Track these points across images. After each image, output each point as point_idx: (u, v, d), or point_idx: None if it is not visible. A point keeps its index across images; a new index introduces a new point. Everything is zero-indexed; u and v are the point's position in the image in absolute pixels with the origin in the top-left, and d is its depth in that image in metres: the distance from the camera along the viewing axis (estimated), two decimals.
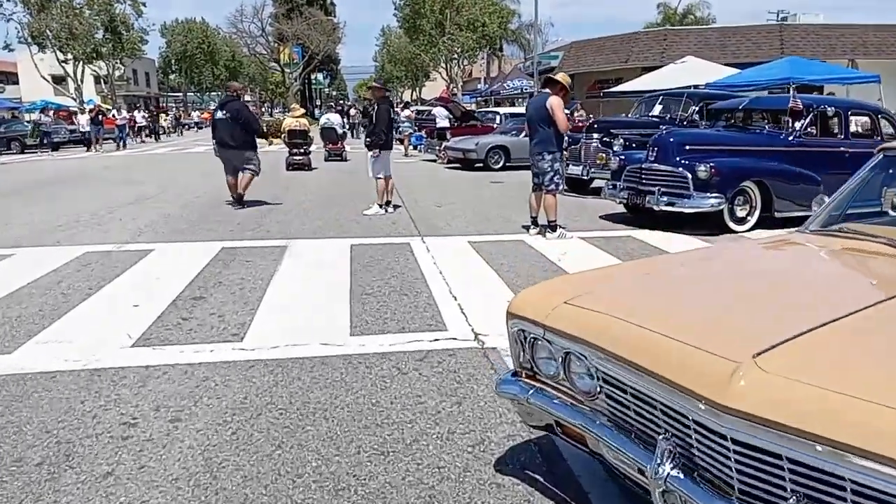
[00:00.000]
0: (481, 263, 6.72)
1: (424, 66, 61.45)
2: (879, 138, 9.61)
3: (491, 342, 4.38)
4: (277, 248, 7.36)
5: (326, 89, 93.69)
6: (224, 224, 9.02)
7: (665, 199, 8.48)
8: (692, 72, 18.23)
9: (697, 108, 12.29)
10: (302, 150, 18.00)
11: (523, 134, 17.50)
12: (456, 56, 52.59)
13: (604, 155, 11.73)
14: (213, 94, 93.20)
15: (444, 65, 54.62)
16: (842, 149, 9.20)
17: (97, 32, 54.68)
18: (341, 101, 75.86)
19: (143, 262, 6.77)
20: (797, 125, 8.99)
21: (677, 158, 8.60)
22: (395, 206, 10.38)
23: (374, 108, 10.11)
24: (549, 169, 7.93)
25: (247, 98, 66.70)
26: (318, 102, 78.25)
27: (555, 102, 7.78)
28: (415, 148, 23.71)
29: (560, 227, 8.11)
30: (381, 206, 10.04)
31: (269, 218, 9.53)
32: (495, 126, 20.01)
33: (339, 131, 21.51)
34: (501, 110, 21.89)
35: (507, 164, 17.22)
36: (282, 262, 6.73)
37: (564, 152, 8.26)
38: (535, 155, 8.02)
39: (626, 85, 21.00)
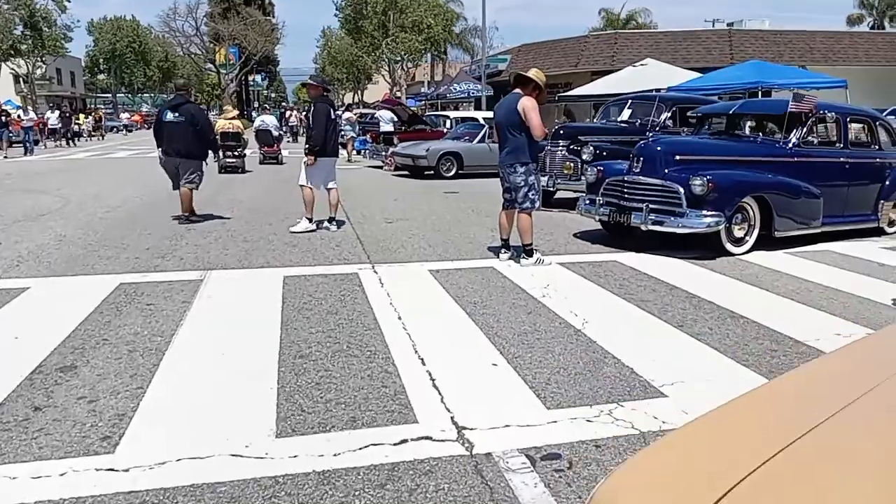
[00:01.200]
0: (449, 302, 5.39)
1: (367, 69, 59.98)
2: (877, 147, 8.77)
3: (482, 442, 3.06)
4: (190, 284, 5.86)
5: (265, 91, 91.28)
6: (130, 248, 7.43)
7: (653, 216, 7.33)
8: (652, 75, 17.32)
9: (670, 114, 11.29)
10: (235, 153, 17.32)
11: (476, 140, 16.36)
12: (399, 58, 51.31)
13: (571, 164, 10.58)
14: (144, 95, 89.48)
15: (387, 67, 53.25)
16: (841, 159, 8.28)
17: (15, 28, 51.23)
18: (284, 105, 73.60)
19: (8, 307, 5.19)
20: (795, 133, 7.99)
21: (666, 170, 7.47)
22: (339, 223, 8.96)
23: (311, 109, 8.72)
24: (522, 183, 6.67)
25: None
26: (257, 105, 75.89)
27: (528, 104, 6.54)
28: (359, 153, 22.28)
29: (536, 251, 6.86)
30: (309, 220, 8.66)
31: (186, 239, 7.97)
32: (445, 131, 18.75)
33: (275, 133, 20.45)
34: (452, 114, 20.66)
35: (460, 171, 15.97)
36: (193, 304, 5.24)
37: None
38: (506, 167, 6.75)
39: (582, 88, 20.03)
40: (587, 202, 8.26)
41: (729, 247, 7.38)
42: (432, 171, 15.98)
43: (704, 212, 7.11)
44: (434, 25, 49.93)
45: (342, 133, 23.58)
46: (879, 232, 8.79)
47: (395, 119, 20.80)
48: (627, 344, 4.42)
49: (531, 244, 6.78)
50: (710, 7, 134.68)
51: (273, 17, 73.02)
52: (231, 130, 17.56)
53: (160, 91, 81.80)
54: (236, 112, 21.29)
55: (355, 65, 61.62)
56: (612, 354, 4.23)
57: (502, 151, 6.77)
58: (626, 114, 11.78)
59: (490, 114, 20.94)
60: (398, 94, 45.53)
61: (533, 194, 6.70)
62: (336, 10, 53.28)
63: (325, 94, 8.97)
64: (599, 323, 4.87)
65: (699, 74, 17.74)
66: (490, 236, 8.31)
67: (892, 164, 8.82)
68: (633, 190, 7.60)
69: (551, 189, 11.13)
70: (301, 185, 8.71)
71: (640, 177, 7.57)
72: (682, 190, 7.20)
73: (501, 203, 7.09)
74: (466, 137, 16.64)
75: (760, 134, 8.49)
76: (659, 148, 7.71)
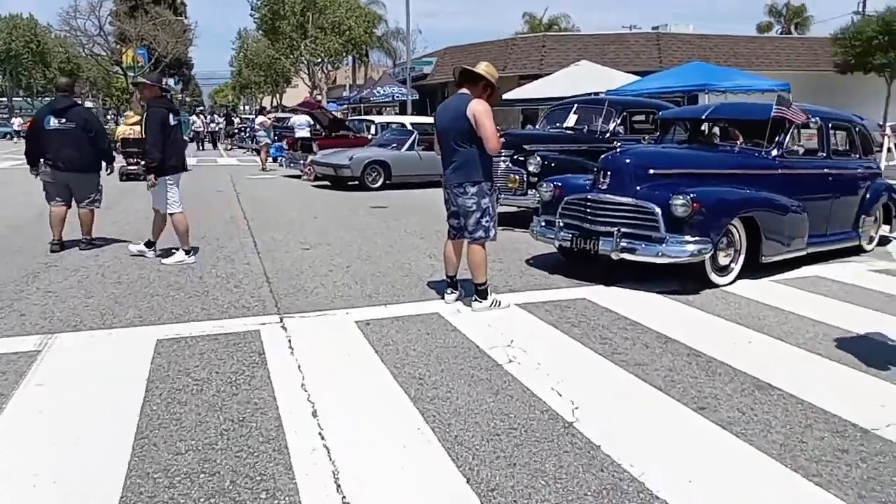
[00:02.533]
0: (385, 379, 3.93)
1: (285, 72, 57.71)
2: (857, 156, 7.85)
3: None
4: (19, 360, 4.17)
5: (179, 95, 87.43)
6: None
7: (625, 242, 6.09)
8: (588, 78, 16.38)
9: (620, 120, 10.19)
10: (137, 160, 16.07)
11: (405, 147, 14.92)
12: (319, 60, 49.40)
13: (516, 177, 9.29)
14: (45, 98, 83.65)
15: (306, 70, 51.19)
16: (825, 170, 7.29)
17: None
18: (202, 109, 70.19)
19: None
20: (779, 141, 6.93)
21: (638, 187, 6.25)
22: (163, 252, 7.29)
23: (145, 114, 7.12)
24: (473, 207, 5.28)
25: (88, 104, 59.77)
26: None
27: (479, 109, 5.15)
28: (274, 160, 20.50)
29: (490, 291, 5.48)
30: (187, 252, 7.15)
31: (39, 281, 6.19)
32: (370, 137, 17.22)
33: None
34: (377, 119, 19.13)
35: (388, 182, 14.50)
36: (10, 400, 3.58)
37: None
38: (452, 187, 5.35)
39: (515, 92, 18.89)
40: (543, 224, 6.97)
41: (713, 277, 6.22)
42: (357, 182, 14.46)
43: (687, 237, 5.91)
44: (355, 27, 48.33)
45: (256, 139, 21.77)
46: (857, 250, 7.89)
47: (312, 124, 19.17)
48: (644, 448, 3.09)
49: (485, 283, 5.39)
50: (626, 14, 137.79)
51: (185, 17, 69.54)
52: (133, 136, 16.37)
53: (58, 90, 76.75)
54: (138, 118, 19.86)
55: (273, 67, 59.23)
56: (629, 473, 2.88)
57: (448, 167, 5.35)
58: (571, 119, 10.59)
59: (419, 119, 19.63)
60: (318, 97, 43.60)
61: (487, 221, 5.32)
62: (251, 9, 50.68)
63: (162, 95, 7.38)
64: (595, 409, 3.53)
65: (637, 77, 16.91)
66: (430, 266, 6.91)
67: (870, 174, 7.95)
68: (599, 211, 6.34)
69: None
70: (170, 213, 7.15)
71: (608, 195, 6.31)
72: (659, 211, 5.98)
73: (447, 230, 5.67)
74: (394, 145, 15.18)
75: (738, 142, 7.40)
76: (628, 160, 6.48)
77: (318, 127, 19.26)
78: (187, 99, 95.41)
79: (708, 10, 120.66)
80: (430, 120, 19.15)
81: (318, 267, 6.90)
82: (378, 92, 30.22)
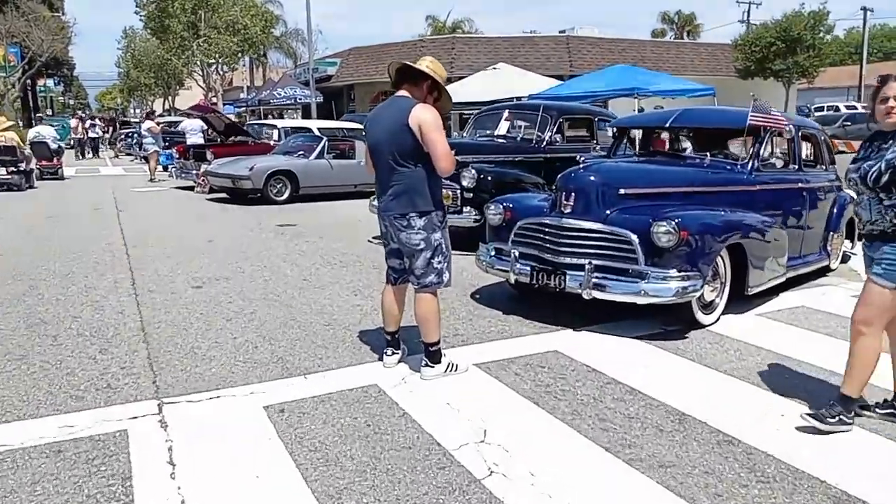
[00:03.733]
0: None
1: (177, 73, 54.35)
2: (824, 167, 7.16)
3: None
4: None
5: (61, 98, 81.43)
6: None
7: (596, 277, 5.02)
8: (509, 82, 15.47)
9: (556, 127, 9.21)
10: (13, 169, 15.77)
11: (314, 155, 13.46)
12: (214, 61, 46.60)
13: (449, 192, 8.12)
14: None
15: (199, 71, 48.24)
16: (799, 185, 6.52)
17: None
18: (80, 113, 65.20)
19: None
20: (754, 153, 6.07)
21: (608, 211, 5.20)
22: None
23: None
24: (421, 244, 4.03)
25: None
26: (50, 112, 67.12)
27: (426, 118, 3.90)
28: (165, 169, 18.53)
29: (444, 352, 4.24)
30: None
31: None
32: (273, 144, 15.61)
33: (53, 146, 17.95)
34: (280, 123, 17.49)
35: (295, 195, 12.99)
36: None
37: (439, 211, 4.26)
38: (393, 218, 4.06)
39: None
40: (492, 254, 5.80)
41: (699, 316, 5.25)
42: (258, 195, 12.87)
43: (672, 271, 4.90)
44: (251, 26, 45.92)
45: (144, 147, 19.66)
46: (824, 270, 7.19)
47: (206, 129, 17.37)
48: None
49: (438, 343, 4.14)
50: (525, 19, 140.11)
51: (62, 13, 64.46)
52: (3, 144, 15.75)
53: None
54: (10, 123, 18.55)
55: (164, 68, 55.68)
56: None
57: (386, 192, 4.07)
58: (503, 126, 9.53)
59: (328, 123, 18.10)
60: (214, 100, 41.02)
61: (440, 262, 4.07)
62: (136, 6, 47.11)
63: None
64: None
65: (557, 81, 16.16)
66: (356, 308, 5.63)
67: (835, 186, 7.28)
68: (562, 239, 5.24)
69: None
70: None
71: (573, 220, 5.22)
72: (636, 239, 4.95)
73: (385, 273, 4.40)
74: (301, 152, 13.66)
75: (707, 155, 6.49)
76: (593, 178, 5.40)
77: (212, 132, 17.47)
78: (70, 102, 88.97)
79: (604, 17, 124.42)
80: (340, 124, 17.75)
81: (213, 315, 5.45)
82: (279, 94, 28.43)
